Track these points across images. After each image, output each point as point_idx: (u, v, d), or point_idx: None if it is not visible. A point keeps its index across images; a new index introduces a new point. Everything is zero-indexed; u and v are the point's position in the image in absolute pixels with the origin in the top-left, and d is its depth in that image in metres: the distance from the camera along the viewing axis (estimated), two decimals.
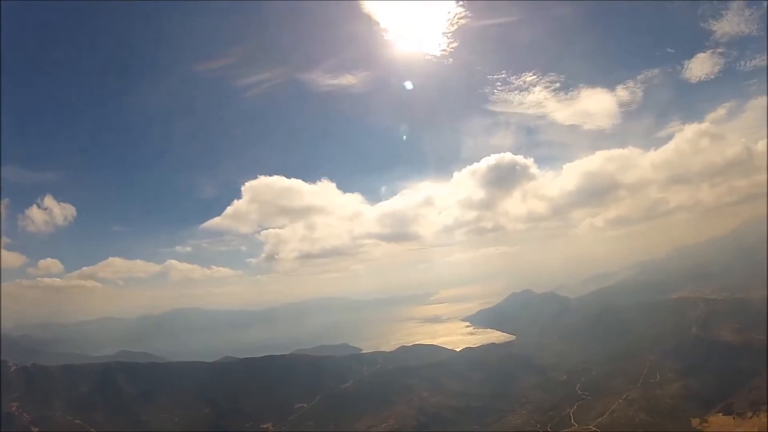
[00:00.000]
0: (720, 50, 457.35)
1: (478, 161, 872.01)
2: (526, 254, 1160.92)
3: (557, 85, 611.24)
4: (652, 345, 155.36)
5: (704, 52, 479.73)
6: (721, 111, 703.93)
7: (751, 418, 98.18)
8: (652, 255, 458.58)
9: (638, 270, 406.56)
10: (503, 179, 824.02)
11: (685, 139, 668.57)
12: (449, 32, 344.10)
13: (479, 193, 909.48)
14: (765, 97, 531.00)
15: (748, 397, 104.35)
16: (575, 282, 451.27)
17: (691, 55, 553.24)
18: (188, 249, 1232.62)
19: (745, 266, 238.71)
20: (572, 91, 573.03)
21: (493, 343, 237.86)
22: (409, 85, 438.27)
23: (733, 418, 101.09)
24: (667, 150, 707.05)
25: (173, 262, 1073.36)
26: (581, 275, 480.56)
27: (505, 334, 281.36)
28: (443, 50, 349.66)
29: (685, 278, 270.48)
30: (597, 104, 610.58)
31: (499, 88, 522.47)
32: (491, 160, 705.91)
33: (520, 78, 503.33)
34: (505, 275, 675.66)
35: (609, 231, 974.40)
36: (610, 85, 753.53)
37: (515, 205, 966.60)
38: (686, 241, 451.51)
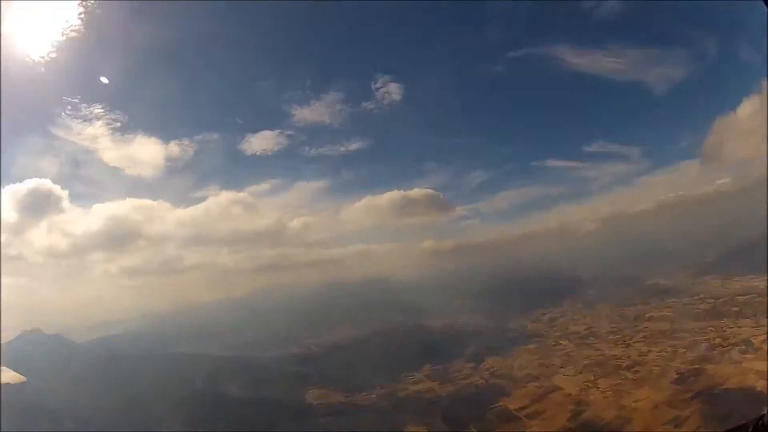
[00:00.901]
0: (289, 132, 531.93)
1: (21, 181, 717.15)
2: (43, 291, 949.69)
3: (119, 124, 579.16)
4: (157, 397, 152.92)
5: (272, 131, 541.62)
6: (266, 186, 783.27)
7: None
8: (162, 308, 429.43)
9: (145, 321, 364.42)
10: (36, 206, 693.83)
11: (218, 203, 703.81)
12: (55, 41, 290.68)
13: (12, 216, 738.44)
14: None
15: None
16: (84, 326, 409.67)
17: (257, 130, 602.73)
18: None
19: (256, 327, 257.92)
20: (129, 134, 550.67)
21: (9, 383, 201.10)
22: None
23: None
24: (197, 209, 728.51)
25: None
26: (90, 320, 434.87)
27: (18, 374, 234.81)
28: (41, 57, 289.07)
29: (194, 335, 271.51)
30: (146, 153, 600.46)
31: (68, 111, 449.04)
32: (31, 182, 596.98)
33: (90, 107, 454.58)
34: (21, 310, 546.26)
35: (123, 279, 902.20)
36: (166, 138, 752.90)
37: (41, 236, 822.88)
38: (199, 299, 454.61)
